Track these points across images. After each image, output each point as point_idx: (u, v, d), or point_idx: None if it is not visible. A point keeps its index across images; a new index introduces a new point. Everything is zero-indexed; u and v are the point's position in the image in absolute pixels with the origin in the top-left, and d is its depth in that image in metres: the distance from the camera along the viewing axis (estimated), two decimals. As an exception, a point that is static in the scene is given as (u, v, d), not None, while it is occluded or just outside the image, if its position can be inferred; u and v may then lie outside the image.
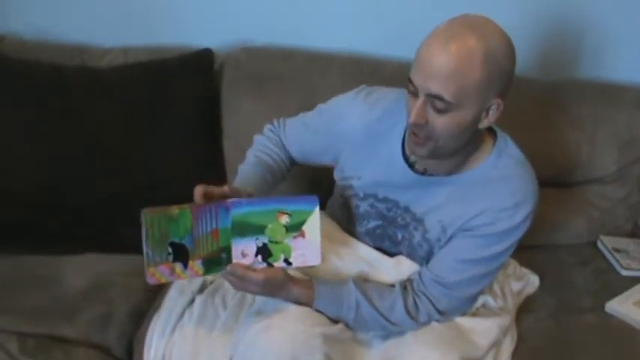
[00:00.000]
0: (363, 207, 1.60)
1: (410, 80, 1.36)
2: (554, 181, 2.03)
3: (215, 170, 2.07)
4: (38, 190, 1.99)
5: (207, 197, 1.41)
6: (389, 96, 1.58)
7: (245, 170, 1.64)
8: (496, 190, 1.46)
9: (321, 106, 1.66)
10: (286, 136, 1.71)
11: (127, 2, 2.25)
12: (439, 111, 1.34)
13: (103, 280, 1.75)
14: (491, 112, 1.38)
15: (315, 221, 1.42)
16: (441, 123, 1.35)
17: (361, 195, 1.59)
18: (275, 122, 1.74)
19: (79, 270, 1.78)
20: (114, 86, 2.06)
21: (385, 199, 1.57)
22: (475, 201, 1.46)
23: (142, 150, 2.02)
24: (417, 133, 1.39)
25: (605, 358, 1.62)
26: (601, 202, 2.05)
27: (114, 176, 2.00)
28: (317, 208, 1.42)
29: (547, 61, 2.14)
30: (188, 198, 1.42)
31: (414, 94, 1.36)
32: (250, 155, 1.70)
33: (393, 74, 1.97)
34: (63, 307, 1.68)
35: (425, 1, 2.11)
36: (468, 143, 1.44)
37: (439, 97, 1.32)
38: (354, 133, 1.56)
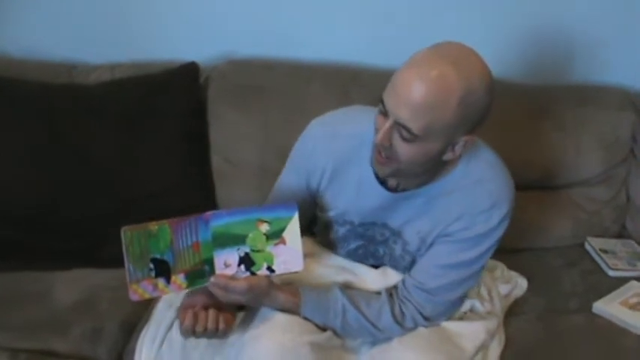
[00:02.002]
0: (342, 231, 1.59)
1: (382, 100, 1.33)
2: (541, 184, 2.04)
3: (203, 182, 2.08)
4: (27, 206, 1.99)
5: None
6: (344, 119, 1.55)
7: None
8: (470, 194, 1.45)
9: (288, 161, 1.61)
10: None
11: (114, 19, 2.27)
12: (404, 139, 1.32)
13: (94, 294, 1.76)
14: (457, 147, 1.36)
15: (294, 227, 1.43)
16: (405, 150, 1.33)
17: (340, 221, 1.58)
18: None
19: (70, 285, 1.79)
20: (101, 102, 2.07)
21: (362, 224, 1.56)
22: (451, 208, 1.46)
23: (130, 164, 2.02)
24: (380, 152, 1.37)
25: (593, 359, 1.62)
26: (587, 204, 2.06)
27: (102, 191, 2.00)
28: (296, 214, 1.43)
29: (531, 65, 2.15)
30: (176, 210, 1.43)
31: (384, 114, 1.33)
32: None
33: (374, 81, 1.96)
34: (54, 321, 1.69)
35: (407, 12, 2.13)
36: (431, 168, 1.42)
37: (406, 128, 1.30)
38: (324, 170, 1.53)
